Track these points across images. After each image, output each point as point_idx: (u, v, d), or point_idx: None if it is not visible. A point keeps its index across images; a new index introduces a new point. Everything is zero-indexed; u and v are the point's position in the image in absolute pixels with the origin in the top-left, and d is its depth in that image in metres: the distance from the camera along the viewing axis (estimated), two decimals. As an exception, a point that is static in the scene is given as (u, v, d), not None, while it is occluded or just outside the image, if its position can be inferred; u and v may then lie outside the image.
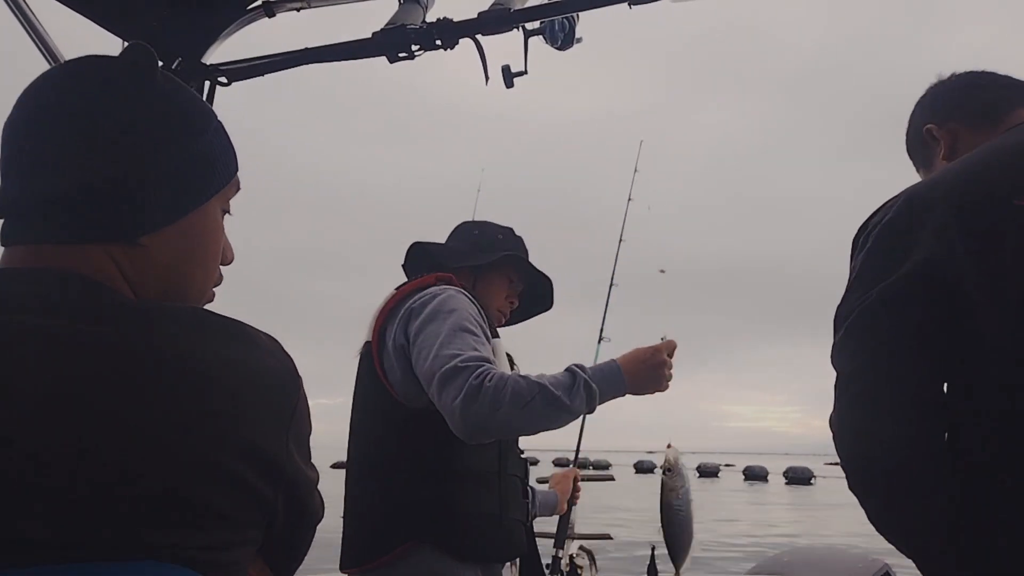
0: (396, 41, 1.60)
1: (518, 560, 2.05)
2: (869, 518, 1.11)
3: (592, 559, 2.64)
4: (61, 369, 0.65)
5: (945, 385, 1.09)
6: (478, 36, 1.60)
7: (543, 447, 2.12)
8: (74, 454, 0.63)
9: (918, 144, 1.40)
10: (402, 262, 2.02)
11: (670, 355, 1.75)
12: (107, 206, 0.75)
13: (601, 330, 2.82)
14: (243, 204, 0.91)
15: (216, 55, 1.75)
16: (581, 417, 1.78)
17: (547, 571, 2.19)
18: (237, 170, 0.87)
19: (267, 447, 0.71)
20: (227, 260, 0.89)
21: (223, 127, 0.86)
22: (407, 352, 1.70)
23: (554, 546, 2.48)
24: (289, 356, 0.78)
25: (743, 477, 44.72)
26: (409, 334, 1.71)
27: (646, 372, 1.71)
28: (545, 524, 2.30)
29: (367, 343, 1.83)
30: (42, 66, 1.61)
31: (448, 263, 1.94)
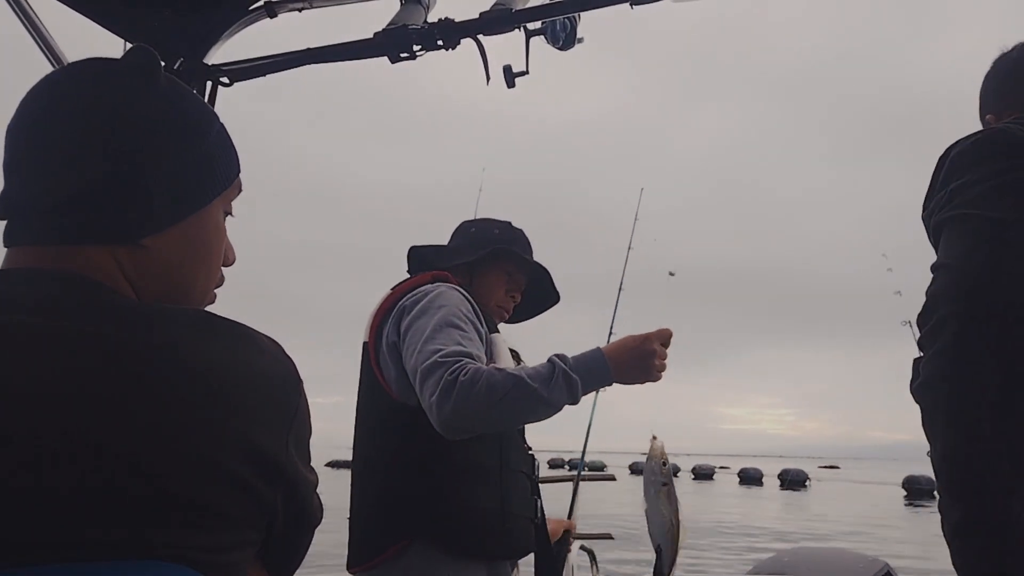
0: (398, 41, 1.60)
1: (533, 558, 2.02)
2: None
3: (593, 558, 2.64)
4: (62, 370, 0.65)
5: None
6: (479, 36, 1.60)
7: (538, 448, 2.10)
8: (73, 454, 0.63)
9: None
10: (402, 263, 2.03)
11: (665, 344, 1.67)
12: (109, 208, 0.75)
13: (610, 333, 2.84)
14: (241, 201, 0.91)
15: (218, 55, 1.75)
16: (589, 415, 1.80)
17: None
18: (239, 172, 0.88)
19: (267, 449, 0.72)
20: (228, 261, 0.89)
21: (225, 129, 0.86)
22: (399, 349, 1.71)
23: None
24: (290, 359, 0.78)
25: (738, 480, 44.61)
26: (401, 330, 1.72)
27: (633, 360, 1.63)
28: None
29: (365, 343, 1.83)
30: (43, 66, 1.62)
31: (443, 263, 1.95)
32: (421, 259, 2.00)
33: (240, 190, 0.88)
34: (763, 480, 42.85)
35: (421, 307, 1.70)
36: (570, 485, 2.67)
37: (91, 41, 1.63)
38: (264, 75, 1.72)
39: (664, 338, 1.67)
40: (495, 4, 1.59)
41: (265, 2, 1.70)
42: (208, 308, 0.88)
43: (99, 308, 0.71)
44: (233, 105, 1.82)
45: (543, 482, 2.61)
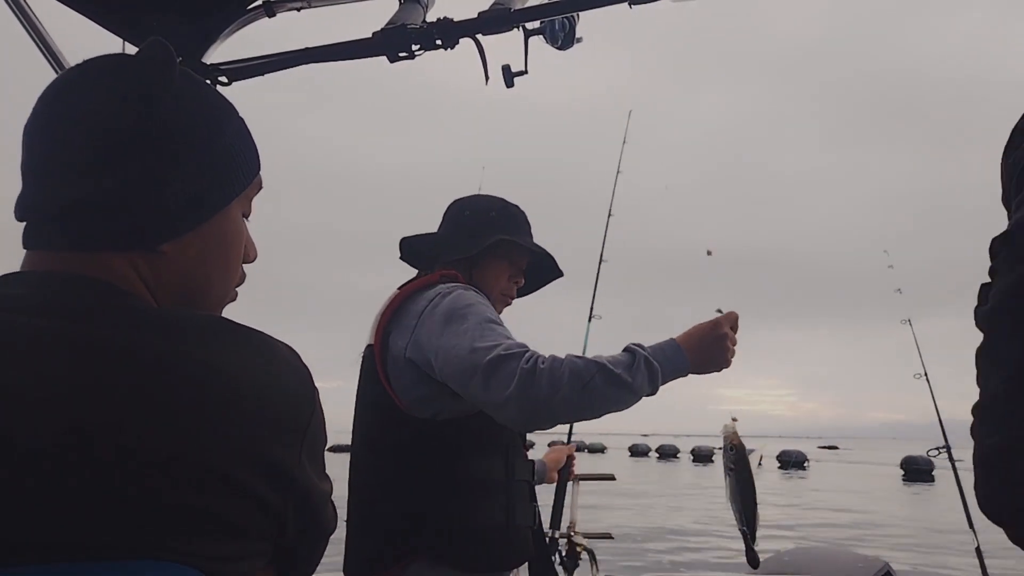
0: (396, 41, 1.60)
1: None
2: None
3: (593, 558, 2.65)
4: (74, 375, 0.65)
5: None
6: (478, 36, 1.59)
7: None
8: (81, 460, 0.63)
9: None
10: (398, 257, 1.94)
11: (734, 328, 1.63)
12: (127, 214, 0.74)
13: (591, 308, 2.79)
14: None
15: (216, 55, 1.75)
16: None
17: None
18: (259, 168, 0.86)
19: (279, 460, 0.71)
20: (250, 258, 0.88)
21: (244, 124, 0.84)
22: (419, 363, 1.62)
23: (550, 527, 2.41)
24: (306, 368, 0.78)
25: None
26: (422, 343, 1.61)
27: (708, 348, 1.59)
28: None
29: (369, 346, 1.75)
30: (43, 66, 1.62)
31: (440, 256, 1.85)
32: (415, 251, 1.91)
33: (260, 187, 0.87)
34: (762, 462, 43.05)
35: (445, 313, 1.61)
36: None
37: (91, 41, 1.63)
38: (263, 74, 1.72)
39: (732, 321, 1.64)
40: (494, 4, 1.58)
41: (264, 1, 1.70)
42: (229, 306, 0.88)
43: (115, 314, 0.71)
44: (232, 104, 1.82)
45: (582, 479, 2.60)
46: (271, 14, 1.71)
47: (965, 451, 1.10)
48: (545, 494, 2.20)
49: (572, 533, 2.52)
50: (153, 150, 0.75)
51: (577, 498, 2.62)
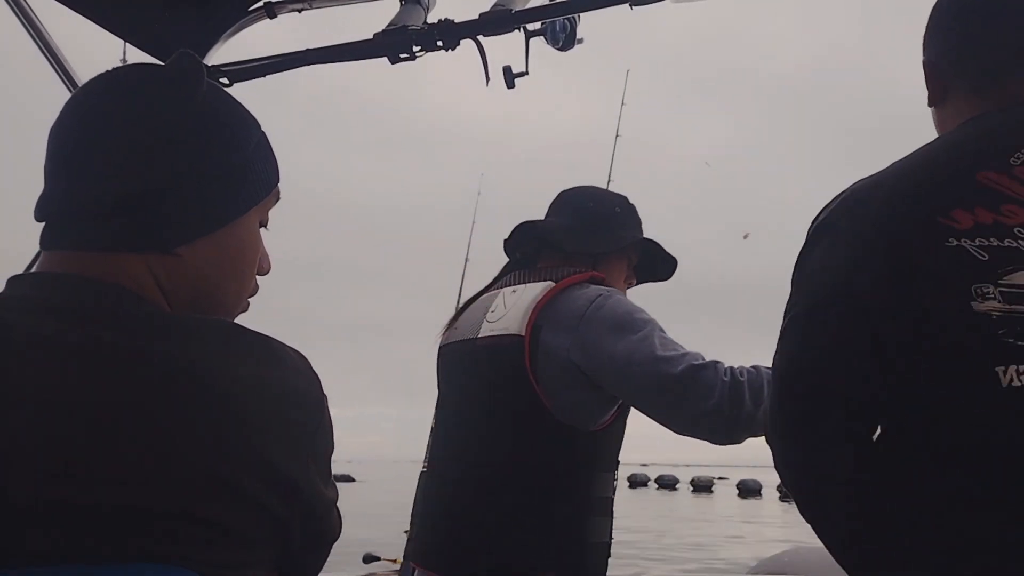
0: (397, 42, 1.60)
1: None
2: None
3: None
4: (80, 377, 0.65)
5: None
6: (479, 37, 1.60)
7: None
8: (86, 465, 0.63)
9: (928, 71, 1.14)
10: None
11: None
12: (144, 217, 0.75)
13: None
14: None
15: (217, 56, 1.75)
16: None
17: None
18: (278, 180, 0.87)
19: (286, 469, 0.71)
20: (263, 270, 0.89)
21: (266, 138, 0.86)
22: (584, 367, 1.49)
23: None
24: (316, 375, 0.78)
25: (737, 491, 44.33)
26: (590, 348, 1.49)
27: None
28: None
29: (513, 335, 1.55)
30: (43, 65, 1.62)
31: (565, 246, 1.69)
32: (533, 237, 1.75)
33: (278, 199, 0.88)
34: (762, 492, 42.79)
35: (617, 317, 1.50)
36: None
37: (91, 41, 1.64)
38: (264, 75, 1.73)
39: None
40: (495, 5, 1.59)
41: (265, 3, 1.71)
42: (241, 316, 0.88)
43: (126, 318, 0.71)
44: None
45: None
46: (272, 15, 1.71)
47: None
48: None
49: None
50: (174, 155, 0.77)
51: None
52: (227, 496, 0.67)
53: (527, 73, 1.63)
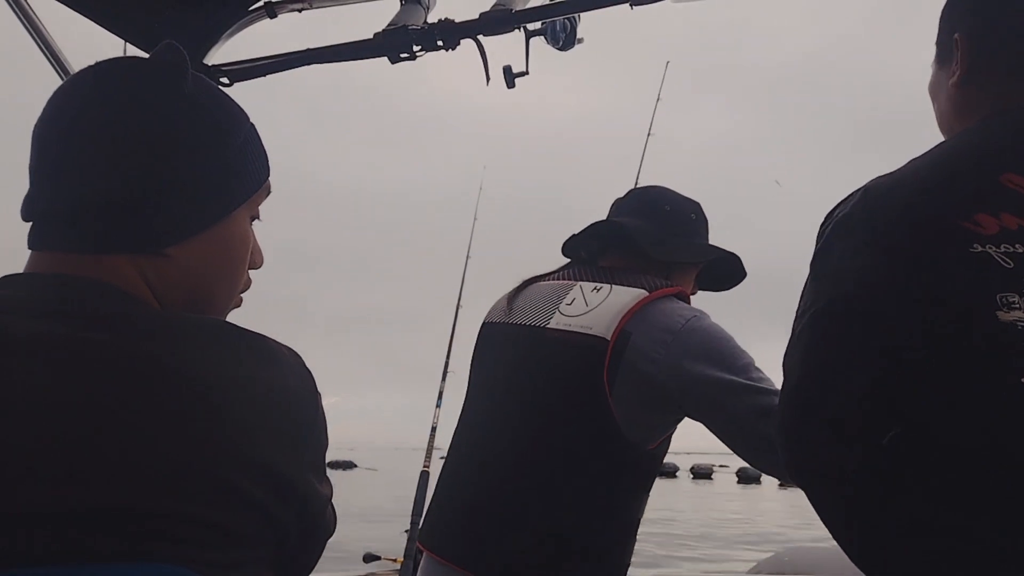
0: (397, 42, 1.60)
1: None
2: None
3: None
4: (71, 378, 0.65)
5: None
6: (479, 37, 1.60)
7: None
8: (78, 464, 0.62)
9: (943, 39, 1.11)
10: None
11: None
12: (133, 216, 0.74)
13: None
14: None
15: (218, 56, 1.75)
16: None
17: None
18: (268, 175, 0.86)
19: (281, 468, 0.71)
20: (256, 264, 0.88)
21: (255, 131, 0.85)
22: (670, 386, 1.41)
23: None
24: (310, 372, 0.77)
25: (736, 479, 44.68)
26: (681, 366, 1.41)
27: None
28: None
29: (599, 336, 1.44)
30: (43, 65, 1.62)
31: (646, 251, 1.58)
32: (613, 237, 1.65)
33: (269, 192, 0.87)
34: (761, 479, 43.05)
35: (712, 341, 1.44)
36: None
37: (91, 41, 1.64)
38: (264, 75, 1.73)
39: None
40: (495, 5, 1.59)
41: (265, 2, 1.70)
42: (233, 312, 0.88)
43: (117, 318, 0.70)
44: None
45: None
46: (272, 15, 1.71)
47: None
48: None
49: None
50: (162, 153, 0.75)
51: None
52: (224, 496, 0.66)
53: (527, 73, 1.63)
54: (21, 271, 0.76)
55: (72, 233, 0.74)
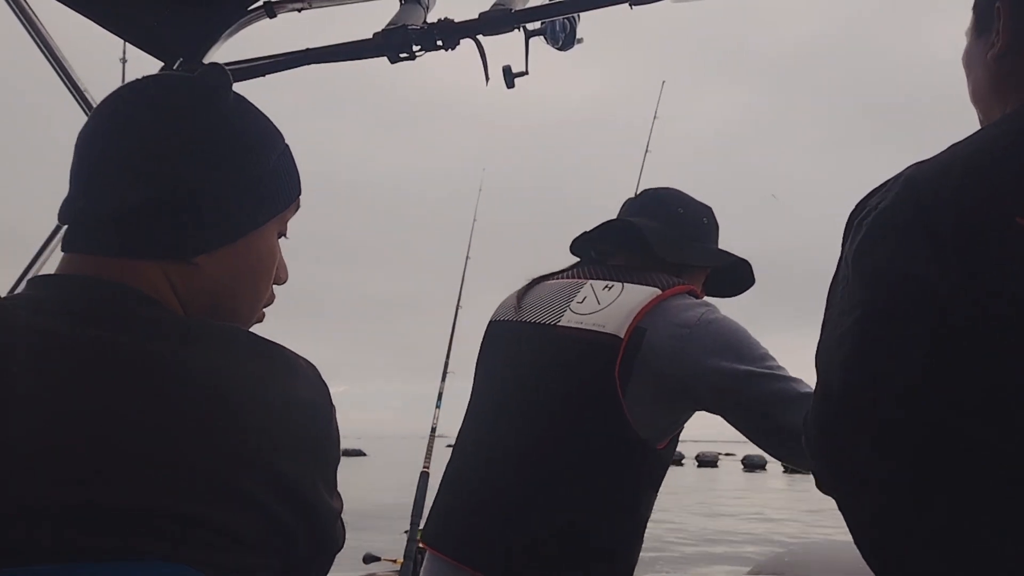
0: (397, 42, 1.60)
1: None
2: None
3: None
4: (87, 379, 0.66)
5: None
6: (479, 36, 1.60)
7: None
8: (91, 463, 0.63)
9: (982, 6, 1.03)
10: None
11: None
12: (165, 225, 0.77)
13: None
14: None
15: (217, 55, 1.75)
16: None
17: None
18: (300, 193, 0.89)
19: (293, 478, 0.72)
20: (280, 280, 0.91)
21: (289, 150, 0.87)
22: (688, 382, 1.41)
23: None
24: (326, 385, 0.79)
25: (742, 467, 44.84)
26: (699, 362, 1.40)
27: None
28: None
29: (596, 332, 1.44)
30: (43, 65, 1.62)
31: (658, 252, 1.57)
32: (626, 237, 1.63)
33: (298, 208, 0.90)
34: (766, 466, 43.15)
35: (729, 336, 1.43)
36: None
37: (91, 41, 1.64)
38: (263, 75, 1.73)
39: None
40: (495, 4, 1.59)
41: (264, 2, 1.71)
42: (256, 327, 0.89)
43: (139, 321, 0.72)
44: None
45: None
46: (272, 15, 1.71)
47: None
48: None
49: None
50: (196, 166, 0.78)
51: None
52: (236, 503, 0.67)
53: (527, 73, 1.63)
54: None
55: (103, 237, 0.76)
